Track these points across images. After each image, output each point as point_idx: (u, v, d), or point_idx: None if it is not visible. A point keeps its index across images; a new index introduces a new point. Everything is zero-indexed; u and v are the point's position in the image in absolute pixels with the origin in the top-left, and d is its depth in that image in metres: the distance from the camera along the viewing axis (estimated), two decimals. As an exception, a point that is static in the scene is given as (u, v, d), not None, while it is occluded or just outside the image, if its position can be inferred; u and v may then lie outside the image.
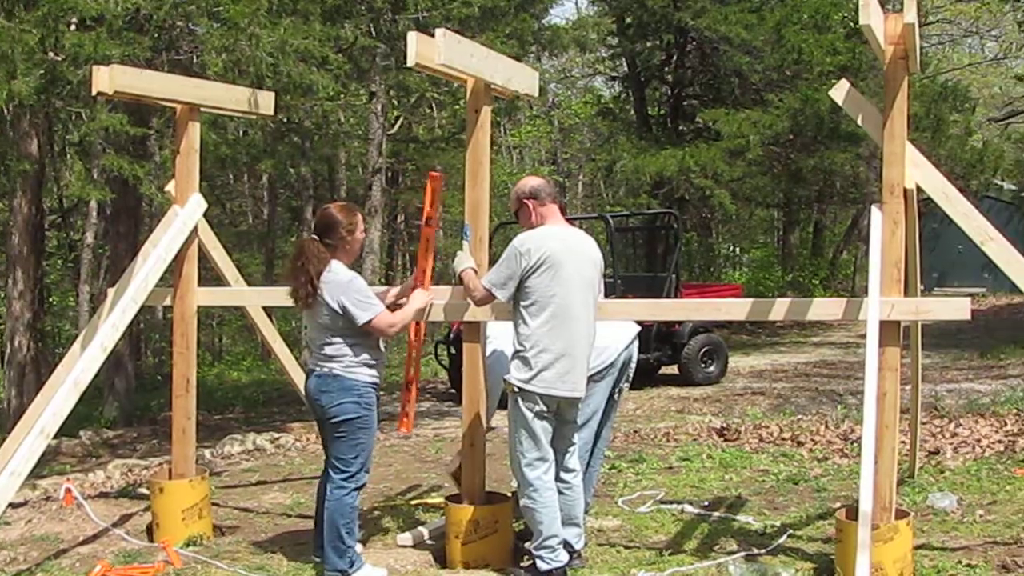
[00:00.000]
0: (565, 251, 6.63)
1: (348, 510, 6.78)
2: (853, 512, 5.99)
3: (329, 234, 6.83)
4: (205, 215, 8.40)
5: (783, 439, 11.40)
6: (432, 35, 6.44)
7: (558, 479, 6.83)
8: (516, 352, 6.65)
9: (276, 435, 12.93)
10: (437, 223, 7.95)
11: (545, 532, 6.65)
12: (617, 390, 7.75)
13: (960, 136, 30.97)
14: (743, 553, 7.19)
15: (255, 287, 11.30)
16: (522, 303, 6.62)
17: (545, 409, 6.61)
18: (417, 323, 7.30)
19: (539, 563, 6.69)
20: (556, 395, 6.59)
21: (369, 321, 6.67)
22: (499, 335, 7.44)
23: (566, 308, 6.57)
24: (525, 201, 6.86)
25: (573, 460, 6.98)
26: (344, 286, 6.67)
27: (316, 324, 6.78)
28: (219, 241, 8.77)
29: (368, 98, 22.70)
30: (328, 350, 6.74)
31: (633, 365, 7.91)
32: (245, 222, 31.79)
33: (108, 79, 7.54)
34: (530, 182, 6.97)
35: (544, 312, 6.54)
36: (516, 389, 6.62)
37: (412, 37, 6.41)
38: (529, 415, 6.60)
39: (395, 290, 7.41)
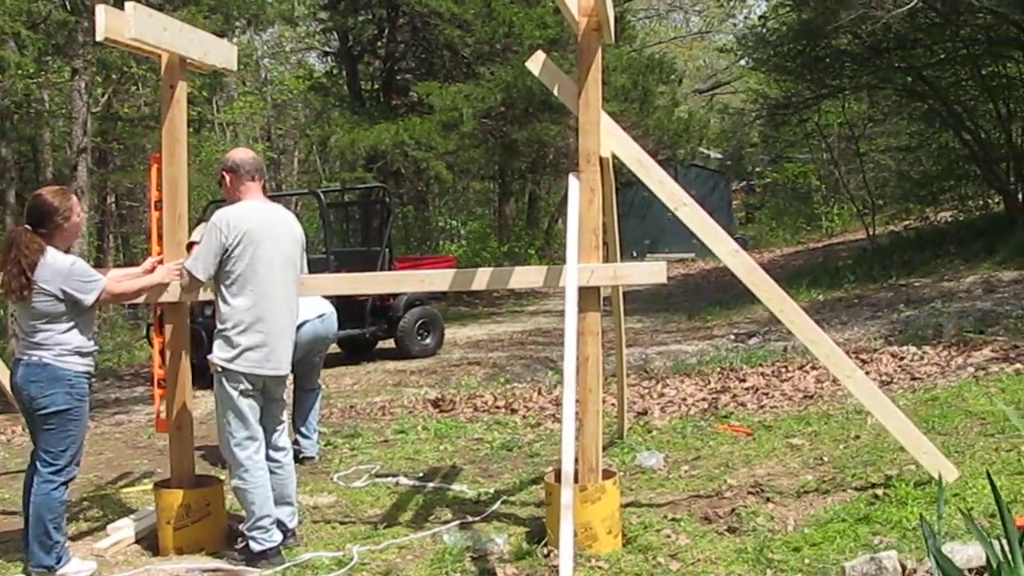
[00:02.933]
0: (263, 228, 6.55)
1: (56, 504, 6.53)
2: (560, 475, 6.11)
3: (43, 222, 6.47)
4: None
5: (497, 407, 11.57)
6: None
7: (268, 458, 6.77)
8: (218, 331, 6.53)
9: (-22, 429, 12.40)
10: None
11: (257, 512, 6.59)
12: (309, 364, 7.76)
13: (667, 107, 31.90)
14: (458, 522, 7.28)
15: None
16: (223, 282, 6.51)
17: (251, 387, 6.54)
18: (161, 320, 7.08)
19: (252, 544, 6.62)
20: (261, 374, 6.53)
21: (97, 298, 6.46)
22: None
23: (267, 286, 6.49)
24: (224, 173, 6.73)
25: (283, 439, 6.93)
26: (65, 273, 6.38)
27: (30, 312, 6.43)
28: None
29: (71, 75, 21.90)
30: (39, 337, 6.43)
31: (325, 341, 7.94)
32: (-57, 208, 30.31)
33: None
34: (234, 155, 6.82)
35: (244, 291, 6.45)
36: (220, 369, 6.51)
37: (100, 10, 6.21)
38: (235, 394, 6.51)
39: (132, 274, 7.15)
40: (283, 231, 6.69)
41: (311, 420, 9.63)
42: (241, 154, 6.85)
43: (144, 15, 6.27)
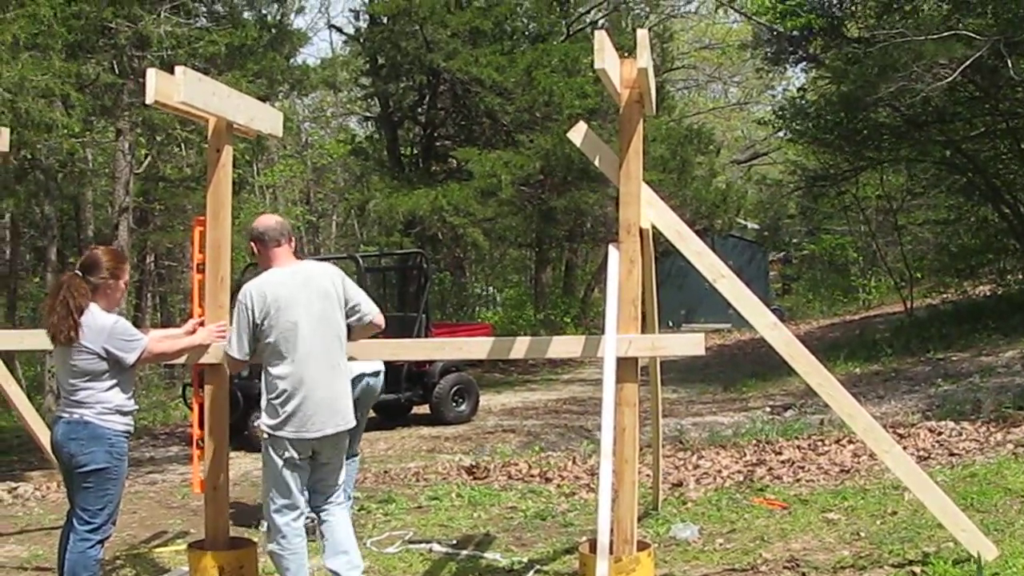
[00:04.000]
0: (288, 294, 6.52)
1: (91, 563, 6.54)
2: (595, 545, 6.10)
3: (93, 272, 6.53)
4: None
5: (532, 476, 11.53)
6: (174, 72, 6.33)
7: (325, 514, 6.79)
8: (266, 399, 6.55)
9: (14, 484, 12.42)
10: None
11: None
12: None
13: (705, 177, 31.99)
14: (490, 590, 7.26)
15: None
16: (261, 353, 6.52)
17: (296, 456, 6.51)
18: (201, 381, 7.12)
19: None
20: (306, 438, 6.50)
21: (139, 357, 6.51)
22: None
23: (302, 349, 6.48)
24: (252, 243, 6.76)
25: (338, 496, 6.91)
26: (108, 331, 6.43)
27: (70, 369, 6.45)
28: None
29: (115, 136, 22.14)
30: (80, 395, 6.46)
31: (373, 396, 7.96)
32: (-15, 264, 30.56)
33: None
34: (259, 224, 6.79)
35: (281, 358, 6.45)
36: (266, 436, 6.53)
37: (151, 74, 6.29)
38: (279, 462, 6.50)
39: (173, 335, 7.23)
40: (312, 289, 6.61)
41: (348, 487, 9.61)
42: (265, 221, 6.81)
43: (193, 79, 6.36)
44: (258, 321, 6.47)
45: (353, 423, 6.87)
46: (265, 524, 7.02)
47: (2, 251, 31.35)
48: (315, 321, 6.58)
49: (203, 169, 26.02)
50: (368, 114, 35.34)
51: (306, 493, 6.68)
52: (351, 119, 43.09)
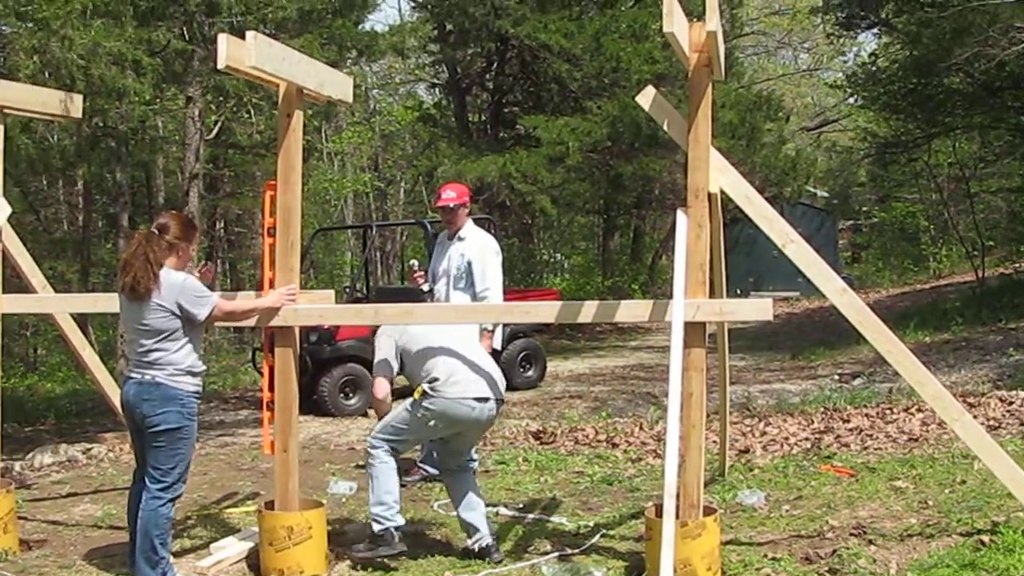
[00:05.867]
0: None
1: (163, 521, 6.68)
2: (661, 509, 6.11)
3: (167, 232, 6.70)
4: (19, 222, 8.18)
5: (599, 441, 11.55)
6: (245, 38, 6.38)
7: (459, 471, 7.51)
8: None
9: (89, 446, 12.61)
10: None
11: (378, 492, 7.16)
12: None
13: (774, 144, 31.71)
14: (556, 553, 7.29)
15: (65, 294, 10.99)
16: None
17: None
18: (272, 344, 7.23)
19: (374, 525, 7.19)
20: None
21: (209, 314, 6.66)
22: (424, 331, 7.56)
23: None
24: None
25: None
26: (179, 287, 6.59)
27: (143, 329, 6.60)
28: (29, 247, 8.56)
29: (185, 102, 22.31)
30: (152, 356, 6.60)
31: None
32: (60, 229, 30.93)
33: (-95, 80, 7.31)
34: None
35: None
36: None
37: (223, 39, 6.35)
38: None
39: (241, 298, 7.38)
40: None
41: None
42: None
43: (264, 44, 6.40)
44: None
45: None
46: None
47: (75, 217, 31.74)
48: None
49: (272, 136, 26.23)
50: (436, 81, 35.34)
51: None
52: (419, 86, 43.12)
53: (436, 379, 7.10)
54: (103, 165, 25.85)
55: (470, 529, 7.36)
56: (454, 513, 8.33)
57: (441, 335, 7.35)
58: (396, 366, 7.39)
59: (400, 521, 7.21)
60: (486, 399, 7.19)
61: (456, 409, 7.09)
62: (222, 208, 31.28)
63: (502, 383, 7.42)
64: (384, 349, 7.39)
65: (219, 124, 25.13)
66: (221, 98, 22.65)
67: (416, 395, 7.12)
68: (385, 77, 42.89)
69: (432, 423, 7.16)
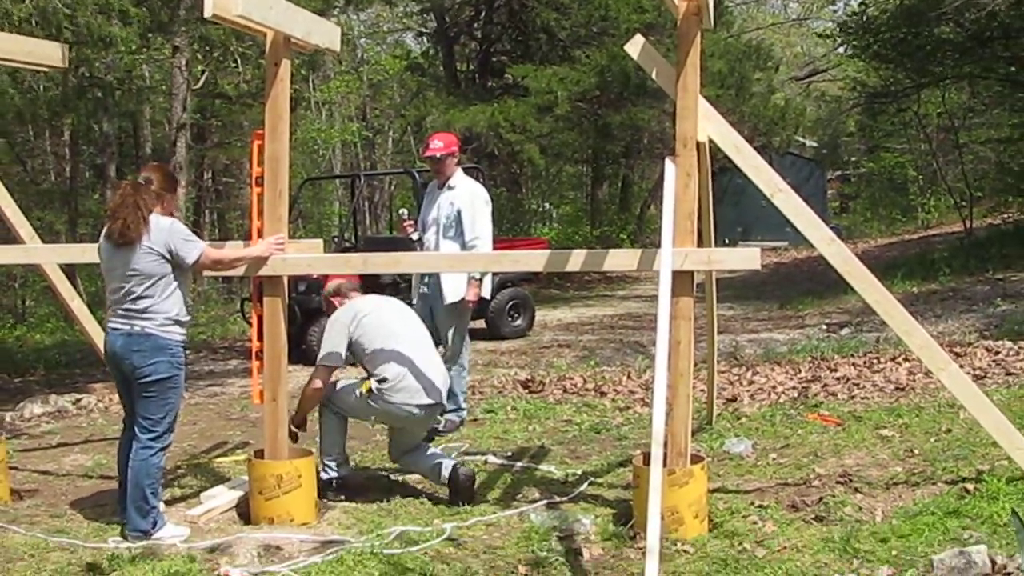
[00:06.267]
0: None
1: (154, 470, 6.75)
2: (649, 457, 6.15)
3: (152, 183, 6.79)
4: (5, 173, 8.17)
5: (587, 390, 11.60)
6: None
7: None
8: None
9: (78, 396, 12.64)
10: None
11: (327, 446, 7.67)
12: None
13: (763, 94, 31.74)
14: (545, 501, 7.35)
15: (53, 244, 10.99)
16: None
17: None
18: (260, 293, 7.25)
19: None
20: None
21: (197, 259, 6.73)
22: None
23: None
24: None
25: None
26: (167, 230, 6.66)
27: (131, 275, 6.64)
28: (16, 198, 8.54)
29: (172, 52, 22.22)
30: (141, 304, 6.64)
31: None
32: (47, 180, 30.85)
33: None
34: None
35: None
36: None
37: (209, -13, 6.30)
38: None
39: (229, 247, 7.40)
40: None
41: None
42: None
43: (251, -7, 6.35)
44: None
45: None
46: None
47: (62, 168, 31.65)
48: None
49: (259, 86, 26.12)
50: (424, 30, 35.20)
51: None
52: (407, 35, 42.91)
53: (385, 379, 7.43)
54: (90, 115, 25.76)
55: (432, 468, 7.68)
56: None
57: (395, 336, 7.62)
58: (344, 357, 7.61)
59: (344, 472, 7.72)
60: (429, 405, 7.58)
61: (398, 412, 7.50)
62: (209, 158, 31.28)
63: (446, 387, 7.83)
64: (335, 339, 7.57)
65: (205, 74, 25.01)
66: (207, 48, 22.56)
67: (363, 388, 7.45)
68: (372, 26, 42.65)
69: (373, 417, 7.62)
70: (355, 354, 7.62)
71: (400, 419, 7.60)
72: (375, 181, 36.04)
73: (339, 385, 7.68)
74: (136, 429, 6.78)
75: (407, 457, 7.82)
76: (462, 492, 7.44)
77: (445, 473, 7.52)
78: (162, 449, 6.81)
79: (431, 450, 7.89)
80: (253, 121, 30.18)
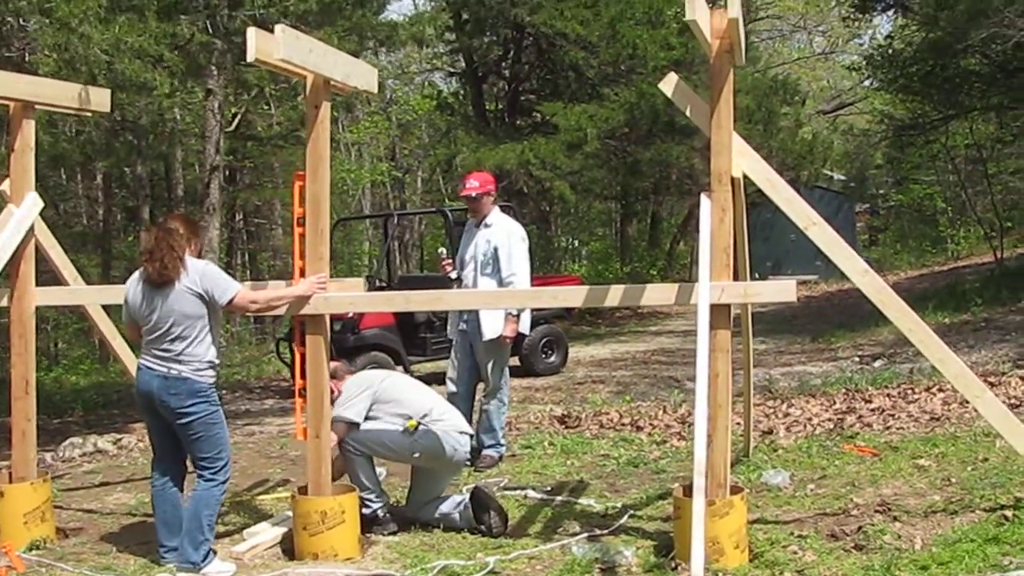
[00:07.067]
0: None
1: (213, 501, 6.97)
2: (690, 489, 6.22)
3: (179, 229, 6.95)
4: (39, 216, 8.32)
5: (623, 424, 11.65)
6: (271, 31, 6.48)
7: None
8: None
9: (118, 436, 12.77)
10: None
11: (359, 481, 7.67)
12: None
13: (791, 128, 31.78)
14: (586, 534, 7.40)
15: (96, 285, 11.12)
16: None
17: None
18: (303, 331, 7.37)
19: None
20: None
21: (232, 299, 6.87)
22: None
23: None
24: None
25: None
26: (202, 272, 6.85)
27: (165, 316, 6.80)
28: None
29: (205, 95, 22.46)
30: (178, 347, 6.80)
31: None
32: (80, 223, 31.15)
33: (-61, 77, 7.42)
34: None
35: None
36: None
37: (252, 33, 6.43)
38: None
39: (271, 287, 7.57)
40: None
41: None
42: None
43: (292, 38, 6.49)
44: None
45: None
46: None
47: (94, 211, 31.94)
48: None
49: (290, 126, 26.40)
50: (452, 70, 35.41)
51: None
52: (435, 75, 43.20)
53: (426, 414, 7.71)
54: (123, 159, 26.04)
55: (455, 506, 7.84)
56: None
57: (417, 386, 8.08)
58: (364, 416, 7.79)
59: (384, 503, 7.84)
60: (468, 435, 7.92)
61: (443, 445, 7.72)
62: (241, 200, 31.47)
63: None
64: (356, 396, 7.80)
65: (238, 116, 25.27)
66: (240, 90, 22.80)
67: (410, 425, 7.64)
68: (401, 67, 42.97)
69: (417, 455, 7.75)
70: (380, 409, 7.80)
71: (443, 454, 7.70)
72: (405, 220, 36.22)
73: (368, 427, 7.76)
74: (197, 471, 7.00)
75: (424, 511, 7.89)
76: (488, 502, 7.63)
77: (466, 499, 7.73)
78: (223, 483, 7.01)
79: (452, 497, 7.96)
80: (284, 162, 30.52)
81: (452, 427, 7.71)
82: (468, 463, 9.09)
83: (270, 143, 27.39)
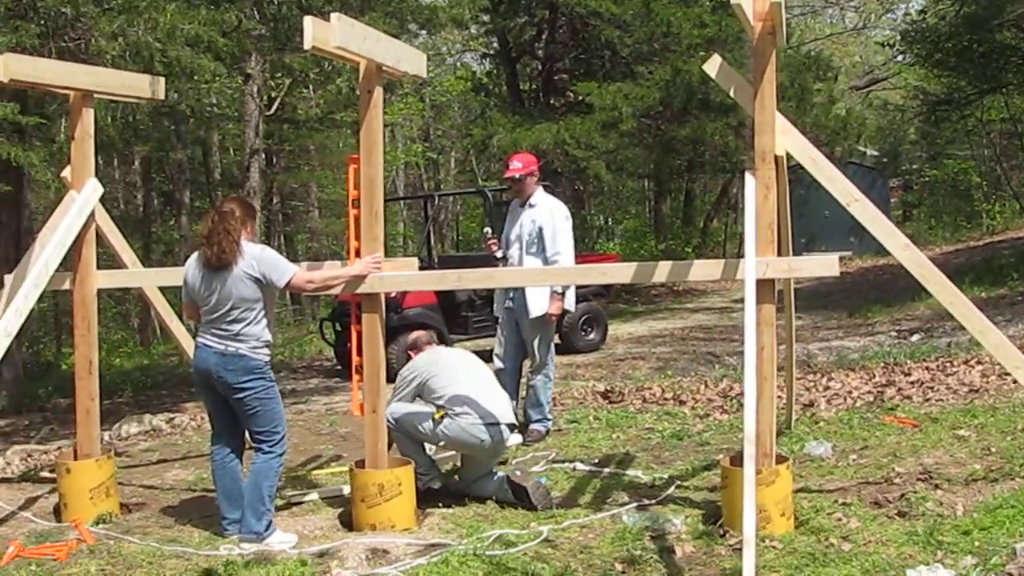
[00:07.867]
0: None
1: (273, 473, 7.22)
2: (737, 459, 6.42)
3: (235, 211, 7.17)
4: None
5: (666, 399, 11.83)
6: (321, 17, 6.70)
7: None
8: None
9: (171, 415, 13.06)
10: None
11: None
12: None
13: (824, 104, 31.69)
14: (635, 504, 7.61)
15: (155, 268, 11.40)
16: None
17: None
18: (359, 308, 7.58)
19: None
20: None
21: (289, 281, 7.10)
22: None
23: None
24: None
25: None
26: (258, 255, 7.08)
27: (224, 298, 7.05)
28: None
29: (244, 79, 22.66)
30: (236, 327, 7.06)
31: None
32: (117, 208, 31.46)
33: (3, 68, 7.61)
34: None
35: None
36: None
37: (308, 22, 6.62)
38: None
39: (327, 267, 7.80)
40: None
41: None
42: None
43: (347, 25, 6.69)
44: None
45: None
46: None
47: (132, 196, 32.21)
48: None
49: (328, 109, 26.55)
50: (487, 51, 35.49)
51: None
52: (467, 56, 43.30)
53: (453, 408, 7.86)
54: (162, 144, 26.29)
55: (500, 487, 8.03)
56: (534, 469, 8.73)
57: (460, 374, 8.14)
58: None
59: (437, 477, 8.28)
60: (496, 426, 7.93)
61: (468, 438, 7.86)
62: (279, 183, 31.69)
63: (511, 415, 8.26)
64: (404, 394, 8.23)
65: (277, 100, 25.47)
66: (279, 74, 22.99)
67: (437, 415, 7.84)
68: (434, 48, 43.12)
69: (442, 443, 7.99)
70: (424, 395, 8.09)
71: (469, 445, 7.91)
72: (446, 199, 36.35)
73: (404, 411, 8.00)
74: (255, 445, 7.26)
75: (475, 485, 8.09)
76: (518, 491, 7.83)
77: (506, 485, 7.92)
78: (280, 455, 7.27)
79: (499, 474, 8.16)
80: (319, 145, 30.67)
81: (478, 420, 7.82)
82: (515, 445, 9.37)
83: (306, 126, 27.55)
